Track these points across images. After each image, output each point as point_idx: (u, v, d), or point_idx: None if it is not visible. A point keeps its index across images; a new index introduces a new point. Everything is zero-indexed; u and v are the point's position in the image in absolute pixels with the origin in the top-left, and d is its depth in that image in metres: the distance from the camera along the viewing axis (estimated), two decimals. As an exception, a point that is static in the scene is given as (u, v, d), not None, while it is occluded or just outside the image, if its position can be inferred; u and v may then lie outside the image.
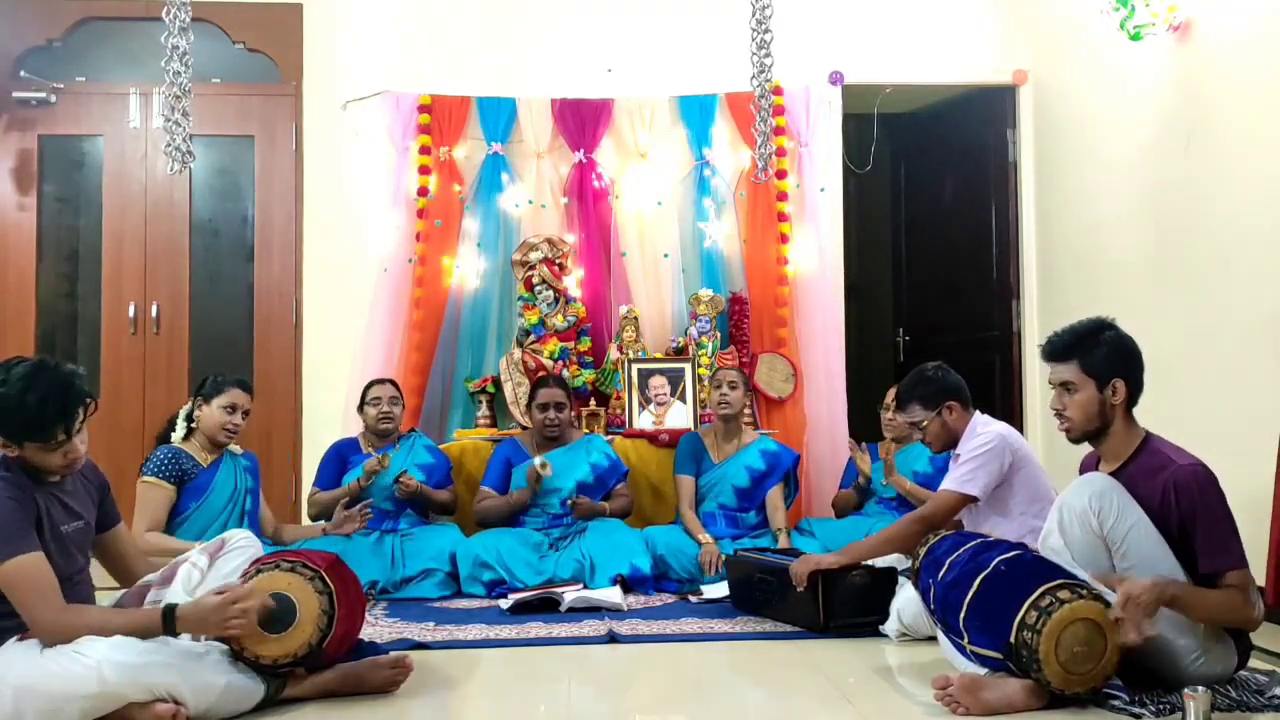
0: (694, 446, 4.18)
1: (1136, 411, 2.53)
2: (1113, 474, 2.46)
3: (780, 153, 4.84)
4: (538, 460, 3.97)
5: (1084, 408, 2.46)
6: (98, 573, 2.53)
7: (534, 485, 4.01)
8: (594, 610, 3.39)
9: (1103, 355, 2.46)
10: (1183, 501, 2.31)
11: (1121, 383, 2.44)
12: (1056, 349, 2.52)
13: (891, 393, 4.04)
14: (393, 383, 4.24)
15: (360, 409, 4.20)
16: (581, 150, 4.88)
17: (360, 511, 3.73)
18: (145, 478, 3.42)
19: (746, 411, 4.57)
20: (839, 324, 4.93)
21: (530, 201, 4.90)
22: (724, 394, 4.09)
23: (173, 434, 3.55)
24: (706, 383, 4.44)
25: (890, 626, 2.97)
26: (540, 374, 4.48)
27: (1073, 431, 2.50)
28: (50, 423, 2.19)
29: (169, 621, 2.22)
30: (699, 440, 4.20)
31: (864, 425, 4.74)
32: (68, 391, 2.22)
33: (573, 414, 4.32)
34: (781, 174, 4.88)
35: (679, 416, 4.57)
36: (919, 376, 3.18)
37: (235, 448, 3.60)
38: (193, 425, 3.53)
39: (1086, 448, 2.61)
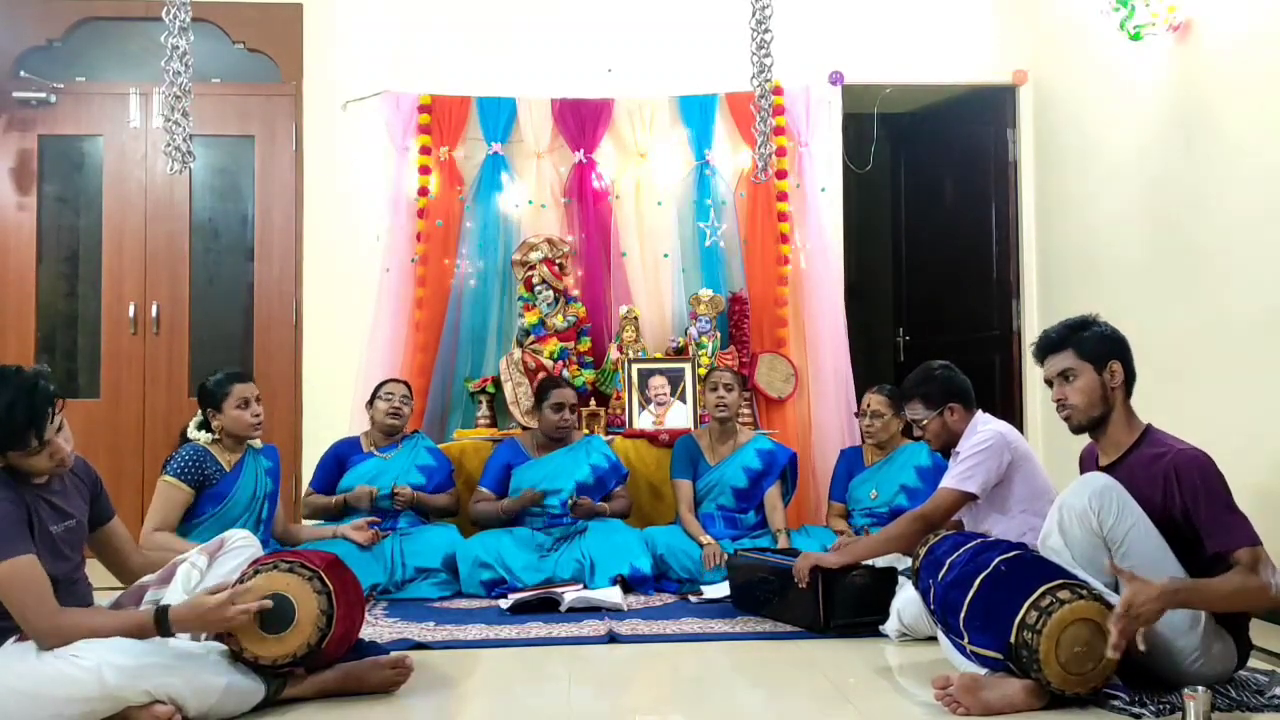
0: (689, 450, 4.16)
1: (1138, 407, 2.53)
2: (1113, 464, 2.48)
3: (780, 153, 4.84)
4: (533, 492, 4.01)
5: (1086, 392, 2.49)
6: (99, 573, 2.53)
7: (527, 506, 4.00)
8: (594, 610, 3.39)
9: (1095, 340, 2.52)
10: (1184, 484, 2.32)
11: (1118, 364, 2.49)
12: (1051, 341, 2.57)
13: (869, 399, 4.01)
14: (406, 384, 4.21)
15: (370, 403, 4.15)
16: (581, 150, 4.88)
17: (376, 532, 3.77)
18: (166, 477, 3.33)
19: (745, 411, 4.56)
20: (841, 324, 4.89)
21: (530, 201, 4.90)
22: (720, 396, 4.07)
23: (199, 434, 3.46)
24: (703, 382, 4.39)
25: (890, 626, 2.97)
26: (542, 375, 4.48)
27: (1075, 417, 2.52)
28: (20, 429, 2.17)
29: (162, 622, 2.21)
30: (694, 443, 4.18)
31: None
32: (32, 395, 2.18)
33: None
34: (781, 174, 4.88)
35: (679, 416, 4.57)
36: (925, 374, 3.18)
37: (256, 442, 3.52)
38: (216, 436, 3.44)
39: (1085, 443, 2.61)
